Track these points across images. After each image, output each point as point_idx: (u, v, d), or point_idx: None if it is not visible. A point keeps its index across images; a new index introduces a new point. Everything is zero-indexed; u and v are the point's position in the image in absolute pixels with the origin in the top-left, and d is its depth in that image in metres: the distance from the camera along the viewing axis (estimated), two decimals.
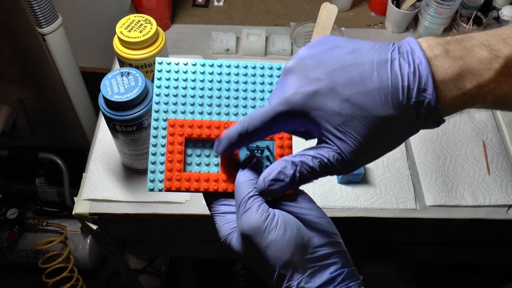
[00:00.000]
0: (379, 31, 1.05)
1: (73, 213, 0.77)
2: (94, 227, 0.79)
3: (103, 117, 0.78)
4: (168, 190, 0.45)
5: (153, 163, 0.45)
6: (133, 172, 0.79)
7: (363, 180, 0.79)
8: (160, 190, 0.45)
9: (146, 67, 0.76)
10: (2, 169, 1.44)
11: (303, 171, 0.37)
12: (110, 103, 0.63)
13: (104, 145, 0.83)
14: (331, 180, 0.79)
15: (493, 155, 0.84)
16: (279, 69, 0.49)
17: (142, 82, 0.64)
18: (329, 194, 0.78)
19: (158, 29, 0.75)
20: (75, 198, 0.78)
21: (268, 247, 0.39)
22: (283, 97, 0.37)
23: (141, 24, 0.74)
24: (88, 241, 1.41)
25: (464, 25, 0.95)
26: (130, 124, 0.65)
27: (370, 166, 0.81)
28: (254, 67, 0.49)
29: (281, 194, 0.40)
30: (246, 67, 0.49)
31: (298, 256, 0.39)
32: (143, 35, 0.72)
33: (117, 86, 0.63)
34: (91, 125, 1.31)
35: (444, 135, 0.86)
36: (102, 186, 0.78)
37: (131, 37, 0.72)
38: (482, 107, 0.37)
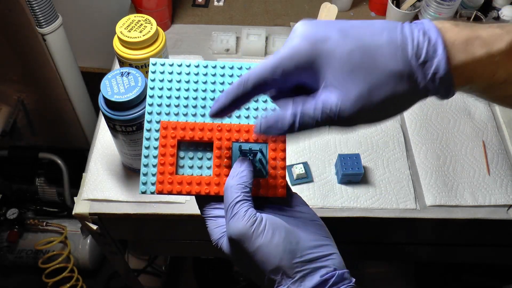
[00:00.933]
0: None
1: (73, 213, 0.77)
2: (94, 227, 0.79)
3: (103, 117, 0.78)
4: (160, 193, 0.45)
5: (146, 165, 0.45)
6: (133, 172, 0.79)
7: (363, 180, 0.79)
8: (152, 193, 0.45)
9: (146, 67, 0.76)
10: (2, 169, 1.44)
11: (304, 120, 0.36)
12: (110, 103, 0.63)
13: (104, 145, 0.83)
14: (331, 180, 0.79)
15: (493, 155, 0.83)
16: None
17: (142, 82, 0.64)
18: (329, 194, 0.78)
19: (158, 29, 0.75)
20: (75, 198, 0.78)
21: (257, 252, 0.39)
22: (290, 44, 0.36)
23: (141, 24, 0.74)
24: (88, 241, 1.41)
25: None
26: (130, 124, 0.65)
27: (370, 166, 0.81)
28: (249, 68, 0.48)
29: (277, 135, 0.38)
30: (240, 68, 0.48)
31: (287, 260, 0.39)
32: (143, 35, 0.72)
33: (117, 86, 0.63)
34: (91, 125, 1.31)
35: (444, 135, 0.86)
36: (102, 186, 0.78)
37: (131, 37, 0.72)
38: (497, 89, 0.36)
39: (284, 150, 0.46)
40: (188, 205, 0.77)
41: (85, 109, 1.28)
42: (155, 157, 0.45)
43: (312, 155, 0.82)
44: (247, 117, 0.47)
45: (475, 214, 0.77)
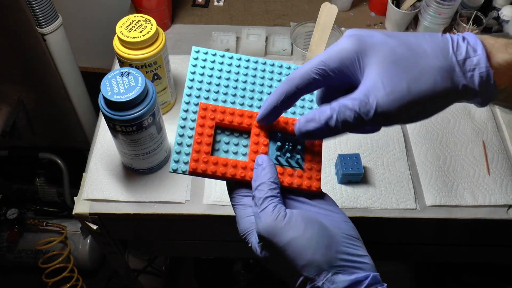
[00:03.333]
0: None
1: (73, 213, 0.77)
2: (94, 227, 0.79)
3: (103, 117, 0.78)
4: (193, 172, 0.44)
5: (180, 144, 0.45)
6: (133, 172, 0.79)
7: (363, 180, 0.79)
8: (184, 172, 0.44)
9: (146, 67, 0.76)
10: (2, 169, 1.44)
11: (343, 113, 0.37)
12: (110, 103, 0.63)
13: (104, 145, 0.83)
14: (331, 180, 0.79)
15: (493, 155, 0.83)
16: None
17: (142, 82, 0.64)
18: (329, 194, 0.77)
19: (158, 29, 0.75)
20: (75, 198, 0.78)
21: (288, 246, 0.38)
22: (337, 43, 0.39)
23: (141, 24, 0.74)
24: (88, 241, 1.41)
25: (464, 25, 0.95)
26: (130, 124, 0.65)
27: (370, 166, 0.81)
28: (289, 68, 0.50)
29: (318, 137, 0.40)
30: (281, 66, 0.50)
31: (321, 254, 0.38)
32: (143, 35, 0.72)
33: (117, 86, 0.63)
34: (91, 125, 1.31)
35: (444, 135, 0.86)
36: (102, 186, 0.78)
37: (131, 37, 0.72)
38: None
39: (320, 145, 0.47)
40: (188, 205, 0.77)
41: (85, 109, 1.28)
42: (190, 137, 0.45)
43: None
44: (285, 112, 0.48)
45: (475, 214, 0.77)
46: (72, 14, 1.18)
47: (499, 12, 0.99)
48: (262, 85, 0.49)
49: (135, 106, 0.64)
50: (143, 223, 0.84)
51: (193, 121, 0.46)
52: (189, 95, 0.47)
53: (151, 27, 0.73)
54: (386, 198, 0.78)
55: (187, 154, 0.44)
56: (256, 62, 0.50)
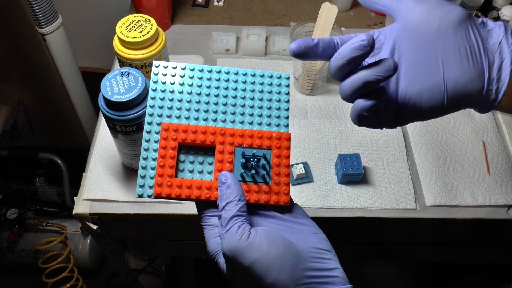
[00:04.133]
0: None
1: (73, 213, 0.77)
2: (94, 227, 0.79)
3: (103, 117, 0.78)
4: (158, 196, 0.43)
5: (144, 167, 0.44)
6: (133, 172, 0.79)
7: (363, 180, 0.79)
8: (150, 197, 0.43)
9: (146, 67, 0.76)
10: (2, 169, 1.44)
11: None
12: (110, 103, 0.63)
13: (104, 145, 0.83)
14: (331, 180, 0.79)
15: (493, 155, 0.83)
16: (279, 78, 0.48)
17: (142, 82, 0.64)
18: (329, 194, 0.78)
19: (158, 29, 0.75)
20: (75, 198, 0.78)
21: (252, 266, 0.38)
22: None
23: (141, 24, 0.74)
24: (88, 241, 1.41)
25: None
26: (130, 124, 0.65)
27: (370, 166, 0.81)
28: (254, 75, 0.48)
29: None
30: (245, 74, 0.48)
31: (286, 273, 0.38)
32: (143, 35, 0.72)
33: (117, 86, 0.63)
34: (91, 125, 1.31)
35: (444, 135, 0.86)
36: (102, 186, 0.78)
37: (131, 37, 0.72)
38: None
39: (288, 157, 0.45)
40: (188, 205, 0.77)
41: (85, 109, 1.28)
42: (154, 159, 0.44)
43: (312, 155, 0.82)
44: (251, 123, 0.46)
45: (475, 214, 0.77)
46: (72, 14, 1.17)
47: (499, 12, 0.99)
48: (226, 96, 0.46)
49: (135, 106, 0.64)
50: (143, 223, 0.84)
51: (156, 142, 0.44)
52: (151, 115, 0.45)
53: (151, 27, 0.73)
54: (386, 198, 0.78)
55: (151, 178, 0.43)
56: (219, 72, 0.47)
